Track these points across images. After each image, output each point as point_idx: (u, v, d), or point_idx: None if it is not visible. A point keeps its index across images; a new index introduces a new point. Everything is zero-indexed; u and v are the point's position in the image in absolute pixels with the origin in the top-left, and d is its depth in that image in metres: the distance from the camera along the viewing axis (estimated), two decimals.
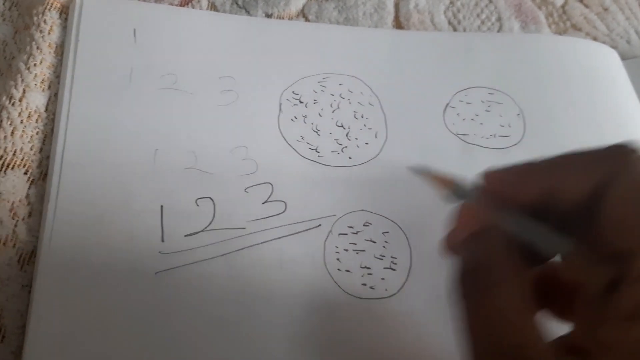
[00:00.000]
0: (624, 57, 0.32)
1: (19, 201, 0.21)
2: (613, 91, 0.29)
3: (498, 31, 0.31)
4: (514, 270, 0.15)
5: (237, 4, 0.27)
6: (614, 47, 0.32)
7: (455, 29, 0.30)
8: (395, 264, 0.23)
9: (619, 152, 0.15)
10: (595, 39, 0.32)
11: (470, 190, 0.18)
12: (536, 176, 0.16)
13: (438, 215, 0.24)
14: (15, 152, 0.22)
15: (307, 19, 0.28)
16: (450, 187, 0.19)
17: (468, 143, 0.26)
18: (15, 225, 0.20)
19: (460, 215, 0.18)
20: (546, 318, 0.15)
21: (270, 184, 0.23)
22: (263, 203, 0.23)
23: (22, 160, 0.22)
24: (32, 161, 0.22)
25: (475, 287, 0.15)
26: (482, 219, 0.16)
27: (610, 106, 0.29)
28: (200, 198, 0.22)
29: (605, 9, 0.33)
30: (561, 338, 0.14)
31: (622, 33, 0.33)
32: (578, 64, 0.30)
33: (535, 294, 0.15)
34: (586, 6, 0.33)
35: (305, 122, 0.25)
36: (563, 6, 0.32)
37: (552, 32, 0.32)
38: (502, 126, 0.27)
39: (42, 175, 0.22)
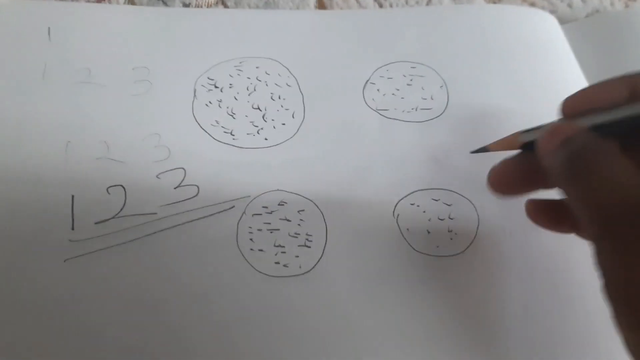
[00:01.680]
0: (565, 22, 0.31)
1: None
2: (548, 58, 0.28)
3: (427, 4, 0.30)
4: (616, 149, 0.16)
5: None
6: (553, 12, 0.31)
7: (381, 5, 0.30)
8: (310, 241, 0.22)
9: None
10: (533, 4, 0.31)
11: (538, 129, 0.19)
12: (613, 86, 0.18)
13: (355, 192, 0.24)
14: None
15: (226, 7, 0.29)
16: (517, 142, 0.20)
17: (388, 118, 0.25)
18: None
19: (548, 133, 0.18)
20: None
21: (183, 169, 0.23)
22: (175, 188, 0.23)
23: None
24: None
25: (576, 173, 0.16)
26: (568, 130, 0.18)
27: (544, 74, 0.28)
28: (112, 186, 0.23)
29: None
30: None
31: None
32: (508, 32, 0.29)
33: None
34: None
35: (220, 107, 0.25)
36: None
37: (486, 1, 0.31)
38: (425, 99, 0.26)
39: None
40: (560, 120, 0.19)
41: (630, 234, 0.14)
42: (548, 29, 0.30)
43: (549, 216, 0.20)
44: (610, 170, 0.15)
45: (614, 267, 0.15)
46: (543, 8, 0.31)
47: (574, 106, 0.19)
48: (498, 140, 0.21)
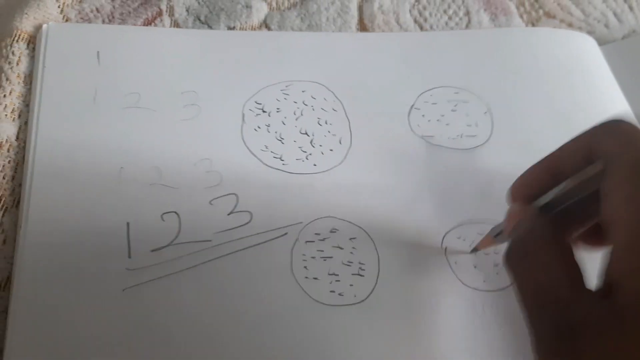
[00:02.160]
0: (602, 43, 0.31)
1: None
2: (589, 80, 0.29)
3: (466, 26, 0.30)
4: (545, 236, 0.17)
5: (199, 19, 0.28)
6: (590, 32, 0.31)
7: (421, 27, 0.30)
8: (364, 270, 0.23)
9: (608, 127, 0.18)
10: (570, 25, 0.31)
11: (503, 222, 0.20)
12: (542, 167, 0.19)
13: (404, 221, 0.24)
14: None
15: (269, 30, 0.29)
16: (492, 240, 0.21)
17: (434, 145, 0.26)
18: None
19: (506, 220, 0.20)
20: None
21: (235, 194, 0.24)
22: (228, 214, 0.23)
23: None
24: (4, 190, 0.23)
25: (515, 259, 0.17)
26: (518, 214, 0.19)
27: (586, 96, 0.28)
28: (166, 213, 0.23)
29: None
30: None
31: (600, 17, 0.32)
32: (548, 55, 0.29)
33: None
34: None
35: (268, 131, 0.25)
36: None
37: (524, 23, 0.31)
38: (469, 125, 0.26)
39: (15, 203, 0.23)
40: (515, 205, 0.20)
41: (546, 330, 0.15)
42: (588, 51, 0.30)
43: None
44: (539, 258, 0.16)
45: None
46: (580, 29, 0.31)
47: (518, 190, 0.20)
48: (480, 242, 0.22)
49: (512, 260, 0.17)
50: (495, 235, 0.21)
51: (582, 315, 0.14)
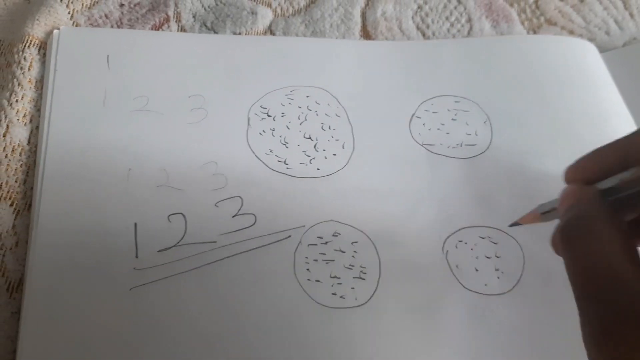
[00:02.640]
0: (603, 49, 0.31)
1: (6, 232, 0.22)
2: (590, 87, 0.29)
3: (468, 33, 0.31)
4: (605, 218, 0.16)
5: (205, 25, 0.29)
6: (591, 39, 0.31)
7: (424, 34, 0.30)
8: (365, 273, 0.23)
9: None
10: (571, 32, 0.32)
11: (555, 200, 0.20)
12: (609, 151, 0.19)
13: (405, 226, 0.25)
14: (1, 185, 0.23)
15: (274, 35, 0.29)
16: (538, 216, 0.21)
17: (434, 153, 0.26)
18: (4, 255, 0.22)
19: (562, 199, 0.19)
20: None
21: (240, 197, 0.24)
22: (233, 216, 0.24)
23: (7, 192, 0.23)
24: (17, 193, 0.23)
25: (570, 237, 0.16)
26: (577, 194, 0.18)
27: (586, 103, 0.28)
28: (172, 214, 0.23)
29: (582, 1, 0.33)
30: None
31: (601, 24, 0.32)
32: (550, 63, 0.29)
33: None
34: None
35: (273, 135, 0.26)
36: (536, 1, 0.32)
37: (525, 29, 0.31)
38: (469, 134, 0.27)
39: (27, 206, 0.23)
40: (573, 185, 0.19)
41: (598, 311, 0.14)
42: (589, 58, 0.30)
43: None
44: (600, 238, 0.15)
45: (585, 333, 0.15)
46: (581, 36, 0.32)
47: (575, 172, 0.19)
48: (525, 215, 0.22)
49: (568, 238, 0.16)
50: (543, 213, 0.20)
51: (637, 297, 0.14)
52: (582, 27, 0.32)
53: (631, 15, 0.33)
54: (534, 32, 0.31)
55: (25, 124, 0.25)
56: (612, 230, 0.16)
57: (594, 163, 0.19)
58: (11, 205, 0.23)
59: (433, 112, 0.27)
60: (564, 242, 0.17)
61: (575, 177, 0.19)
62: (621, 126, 0.28)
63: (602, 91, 0.29)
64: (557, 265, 0.23)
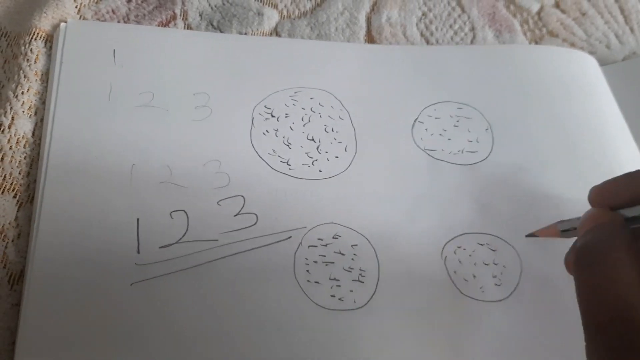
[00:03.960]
0: (603, 63, 0.32)
1: (9, 224, 0.22)
2: (590, 99, 0.29)
3: (471, 41, 0.31)
4: (624, 247, 0.16)
5: (212, 25, 0.29)
6: (592, 52, 0.32)
7: (428, 41, 0.31)
8: (364, 276, 0.23)
9: None
10: (572, 45, 0.32)
11: (576, 219, 0.20)
12: (637, 178, 0.19)
13: (405, 230, 0.25)
14: (4, 177, 0.23)
15: (280, 37, 0.29)
16: (557, 232, 0.21)
17: (436, 159, 0.26)
18: (5, 247, 0.22)
19: (584, 221, 0.19)
20: None
21: (242, 196, 0.24)
22: (235, 215, 0.24)
23: (11, 184, 0.23)
24: (20, 185, 0.23)
25: (587, 262, 0.16)
26: (600, 218, 0.18)
27: (586, 116, 0.29)
28: (175, 211, 0.24)
29: (584, 14, 0.33)
30: None
31: (601, 38, 0.33)
32: (551, 74, 0.30)
33: None
34: (563, 12, 0.33)
35: (276, 136, 0.26)
36: (539, 13, 0.33)
37: (527, 40, 0.32)
38: (470, 141, 0.27)
39: (29, 198, 0.23)
40: (598, 209, 0.19)
41: (609, 345, 0.14)
42: (589, 70, 0.31)
43: None
44: (608, 272, 0.15)
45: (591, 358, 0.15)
46: (582, 49, 0.32)
47: (602, 195, 0.19)
48: (543, 228, 0.22)
49: (583, 262, 0.16)
50: (563, 230, 0.21)
51: None
52: (583, 40, 0.32)
53: (631, 30, 0.33)
54: (536, 43, 0.32)
55: (30, 116, 0.25)
56: (629, 261, 0.15)
57: (622, 188, 0.19)
58: (14, 197, 0.23)
59: (435, 118, 0.27)
60: (578, 265, 0.16)
61: (600, 199, 0.19)
62: (619, 139, 0.28)
63: (601, 104, 0.29)
64: (555, 274, 0.24)
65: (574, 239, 0.21)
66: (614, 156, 0.27)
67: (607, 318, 0.15)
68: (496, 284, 0.23)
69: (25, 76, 0.25)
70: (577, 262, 0.16)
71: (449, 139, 0.27)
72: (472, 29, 0.31)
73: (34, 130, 0.25)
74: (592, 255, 0.16)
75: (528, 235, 0.23)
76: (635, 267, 0.15)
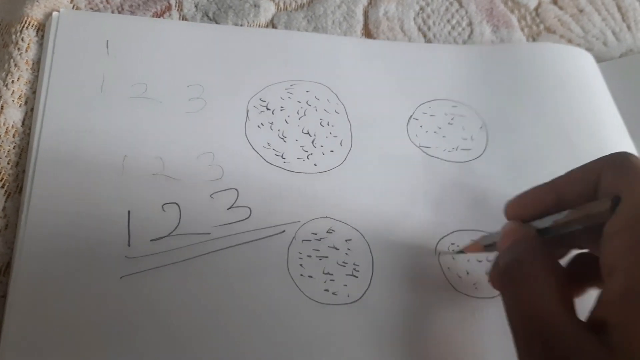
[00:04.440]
0: (600, 60, 0.32)
1: None
2: (586, 96, 0.29)
3: (469, 36, 0.31)
4: (543, 262, 0.17)
5: (207, 16, 0.28)
6: (589, 49, 0.32)
7: (425, 36, 0.30)
8: (358, 271, 0.23)
9: (619, 162, 0.17)
10: (570, 41, 0.32)
11: (496, 234, 0.20)
12: (545, 190, 0.19)
13: (400, 225, 0.25)
14: None
15: (276, 29, 0.29)
16: (481, 248, 0.22)
17: (430, 156, 0.26)
18: None
19: (502, 236, 0.20)
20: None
21: (236, 189, 0.24)
22: (228, 209, 0.24)
23: None
24: (9, 175, 0.23)
25: (510, 279, 0.17)
26: (517, 233, 0.19)
27: (582, 112, 0.29)
28: (167, 203, 0.23)
29: (581, 11, 0.33)
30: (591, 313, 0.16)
31: (598, 35, 0.33)
32: (548, 70, 0.30)
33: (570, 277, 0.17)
34: (560, 8, 0.33)
35: (271, 129, 0.26)
36: (536, 9, 0.33)
37: (525, 36, 0.32)
38: (465, 139, 0.27)
39: (18, 189, 0.23)
40: (513, 223, 0.20)
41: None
42: (586, 67, 0.31)
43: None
44: (533, 285, 0.16)
45: None
46: (579, 45, 0.32)
47: (513, 209, 0.20)
48: (468, 245, 0.23)
49: (504, 281, 0.17)
50: (486, 246, 0.21)
51: (572, 348, 0.14)
52: (581, 37, 0.32)
53: (628, 27, 0.33)
54: (533, 39, 0.32)
55: (20, 106, 0.24)
56: (549, 275, 0.16)
57: (532, 201, 0.20)
58: (2, 187, 0.22)
59: (430, 115, 0.27)
60: (504, 283, 0.17)
61: (514, 213, 0.20)
62: (615, 136, 0.28)
63: (597, 100, 0.29)
64: None
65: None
66: (609, 151, 0.27)
67: (531, 332, 0.16)
68: (489, 281, 0.23)
69: (15, 65, 0.25)
70: (501, 279, 0.17)
71: (443, 137, 0.27)
72: (470, 24, 0.31)
73: (24, 119, 0.24)
74: (512, 273, 0.17)
75: (457, 253, 0.23)
76: (553, 281, 0.16)
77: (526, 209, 0.20)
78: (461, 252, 0.23)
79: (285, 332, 0.21)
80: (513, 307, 0.17)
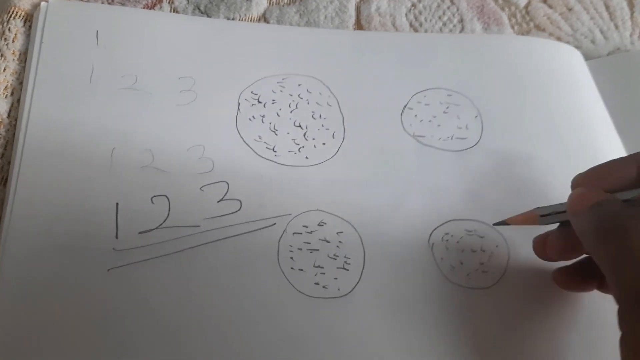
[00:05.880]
0: (588, 57, 0.32)
1: None
2: (575, 92, 0.30)
3: (460, 33, 0.31)
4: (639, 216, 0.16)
5: (199, 9, 0.28)
6: (577, 47, 0.32)
7: (416, 32, 0.30)
8: (349, 264, 0.23)
9: None
10: (559, 39, 0.33)
11: (557, 205, 0.20)
12: (623, 164, 0.19)
13: (392, 217, 0.25)
14: None
15: (268, 23, 0.29)
16: (534, 218, 0.21)
17: (425, 145, 0.26)
18: None
19: (575, 200, 0.19)
20: None
21: (226, 182, 0.24)
22: (218, 201, 0.23)
23: None
24: None
25: (609, 232, 0.17)
26: (598, 195, 0.19)
27: (571, 107, 0.29)
28: (156, 196, 0.23)
29: (570, 9, 0.33)
30: None
31: (587, 33, 0.33)
32: (539, 65, 0.30)
33: None
34: (550, 6, 0.33)
35: (263, 122, 0.26)
36: (526, 7, 0.33)
37: (515, 33, 0.32)
38: (460, 128, 0.27)
39: (3, 181, 0.22)
40: (589, 187, 0.20)
41: None
42: (575, 64, 0.31)
43: (575, 280, 0.22)
44: (635, 238, 0.16)
45: (633, 327, 0.16)
46: (568, 43, 0.32)
47: (591, 181, 0.20)
48: (517, 216, 0.22)
49: (599, 237, 0.17)
50: (543, 215, 0.21)
51: None
52: (569, 35, 0.33)
53: (616, 26, 0.34)
54: (523, 35, 0.32)
55: (6, 97, 0.24)
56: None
57: (608, 174, 0.19)
58: None
59: (425, 104, 0.27)
60: (600, 238, 0.17)
61: (591, 183, 0.20)
62: (602, 131, 0.29)
63: (585, 96, 0.30)
64: (542, 262, 0.24)
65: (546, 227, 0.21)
66: (598, 146, 0.28)
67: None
68: (483, 271, 0.23)
69: (2, 55, 0.24)
70: (599, 236, 0.17)
71: (438, 125, 0.27)
72: (461, 20, 0.31)
73: (10, 110, 0.24)
74: (610, 226, 0.17)
75: (497, 224, 0.23)
76: None
77: (602, 181, 0.19)
78: (503, 223, 0.22)
79: (274, 325, 0.21)
80: (618, 264, 0.16)
